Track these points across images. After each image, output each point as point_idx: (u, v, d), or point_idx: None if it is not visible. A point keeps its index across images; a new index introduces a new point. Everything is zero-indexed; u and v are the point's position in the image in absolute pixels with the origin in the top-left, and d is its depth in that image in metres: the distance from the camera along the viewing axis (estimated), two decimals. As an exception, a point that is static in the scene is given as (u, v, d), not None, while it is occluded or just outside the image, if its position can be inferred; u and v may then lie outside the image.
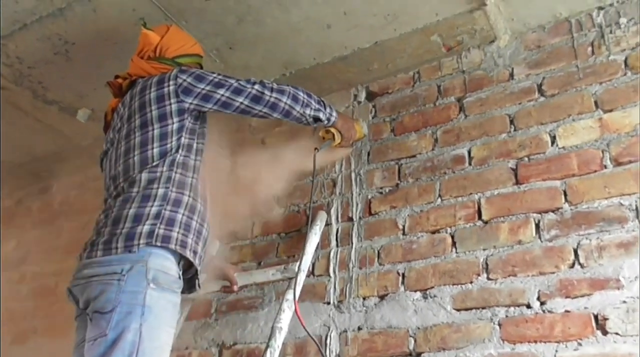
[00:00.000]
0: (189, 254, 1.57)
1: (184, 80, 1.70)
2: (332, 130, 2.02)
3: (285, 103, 1.77)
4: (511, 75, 2.02)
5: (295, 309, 1.75)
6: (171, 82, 1.70)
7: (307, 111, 1.83)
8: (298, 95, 1.81)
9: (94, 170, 3.04)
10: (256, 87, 1.74)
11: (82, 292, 1.51)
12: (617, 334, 1.49)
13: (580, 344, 1.52)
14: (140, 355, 1.38)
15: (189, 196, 1.64)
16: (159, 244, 1.51)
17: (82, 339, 1.51)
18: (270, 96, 1.75)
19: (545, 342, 1.57)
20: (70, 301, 1.59)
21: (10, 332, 2.86)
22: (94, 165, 2.85)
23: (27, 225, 3.25)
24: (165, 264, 1.51)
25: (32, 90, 2.56)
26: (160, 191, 1.59)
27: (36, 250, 3.08)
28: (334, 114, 1.94)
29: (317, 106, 1.86)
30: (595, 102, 1.82)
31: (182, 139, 1.68)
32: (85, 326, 1.50)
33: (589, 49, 1.92)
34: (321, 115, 1.88)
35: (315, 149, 2.02)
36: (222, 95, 1.71)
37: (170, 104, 1.68)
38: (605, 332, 1.51)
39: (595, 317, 1.54)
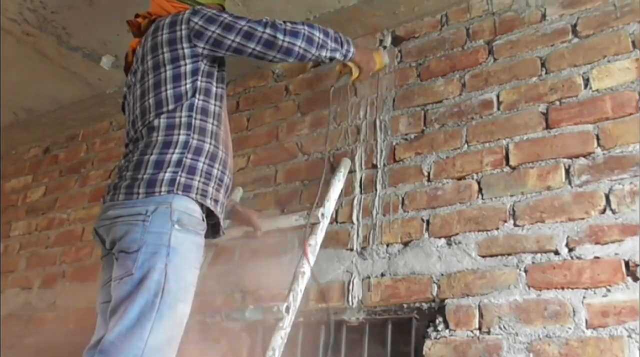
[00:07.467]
0: (209, 203, 1.56)
1: (196, 23, 1.63)
2: (350, 64, 1.92)
3: (300, 47, 1.67)
4: (543, 16, 1.93)
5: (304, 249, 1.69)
6: (183, 27, 1.64)
7: (323, 53, 1.73)
8: (313, 37, 1.70)
9: (118, 119, 3.09)
10: (268, 31, 1.64)
11: (107, 233, 1.53)
12: (647, 280, 1.46)
13: (609, 290, 1.50)
14: (166, 294, 1.40)
15: (210, 144, 1.61)
16: (180, 192, 1.50)
17: (109, 279, 1.54)
18: (284, 41, 1.64)
19: (572, 288, 1.55)
20: (97, 242, 1.61)
21: (39, 276, 2.95)
22: (118, 114, 2.88)
23: (54, 173, 3.31)
24: (189, 206, 1.51)
25: (56, 36, 2.55)
26: (182, 138, 1.57)
27: (63, 197, 3.14)
28: (352, 49, 1.83)
29: (333, 46, 1.76)
30: (633, 42, 1.73)
31: (198, 82, 1.64)
32: (111, 266, 1.52)
33: (629, -15, 1.81)
34: (337, 55, 1.78)
35: (332, 86, 1.91)
36: (233, 41, 1.63)
37: (183, 49, 1.63)
38: (636, 279, 1.48)
39: (626, 263, 1.50)
